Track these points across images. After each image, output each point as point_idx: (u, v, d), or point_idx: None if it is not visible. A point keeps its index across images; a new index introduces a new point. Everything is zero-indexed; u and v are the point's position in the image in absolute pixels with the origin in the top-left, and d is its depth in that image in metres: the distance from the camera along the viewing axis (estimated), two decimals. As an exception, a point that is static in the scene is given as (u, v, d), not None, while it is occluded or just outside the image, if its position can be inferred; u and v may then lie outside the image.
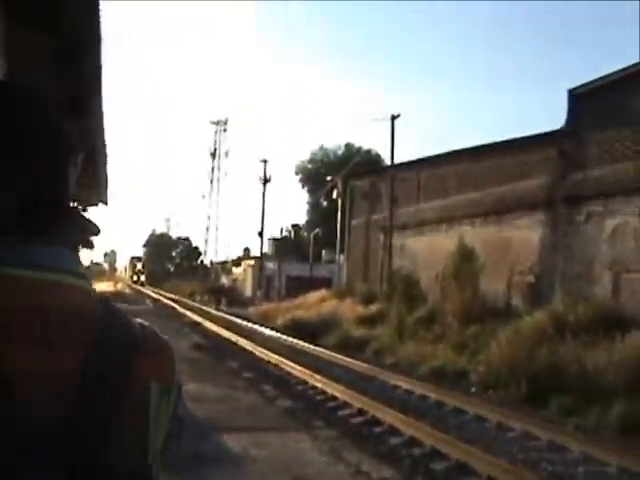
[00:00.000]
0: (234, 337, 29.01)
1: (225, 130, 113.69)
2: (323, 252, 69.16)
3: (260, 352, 23.61)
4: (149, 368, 1.34)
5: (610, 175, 21.66)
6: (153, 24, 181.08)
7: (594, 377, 14.79)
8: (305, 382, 17.68)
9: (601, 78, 22.16)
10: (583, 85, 22.88)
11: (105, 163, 19.57)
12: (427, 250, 31.88)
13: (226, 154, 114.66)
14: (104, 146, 17.38)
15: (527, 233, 25.16)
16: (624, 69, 21.39)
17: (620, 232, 21.11)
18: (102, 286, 70.17)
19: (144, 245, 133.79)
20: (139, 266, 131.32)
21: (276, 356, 21.96)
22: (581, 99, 22.93)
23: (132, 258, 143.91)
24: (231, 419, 11.50)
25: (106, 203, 26.31)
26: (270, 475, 8.13)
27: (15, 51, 9.49)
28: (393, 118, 36.34)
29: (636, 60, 21.09)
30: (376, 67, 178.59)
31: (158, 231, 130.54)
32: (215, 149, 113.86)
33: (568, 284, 22.78)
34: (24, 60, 10.32)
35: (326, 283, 49.68)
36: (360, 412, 13.70)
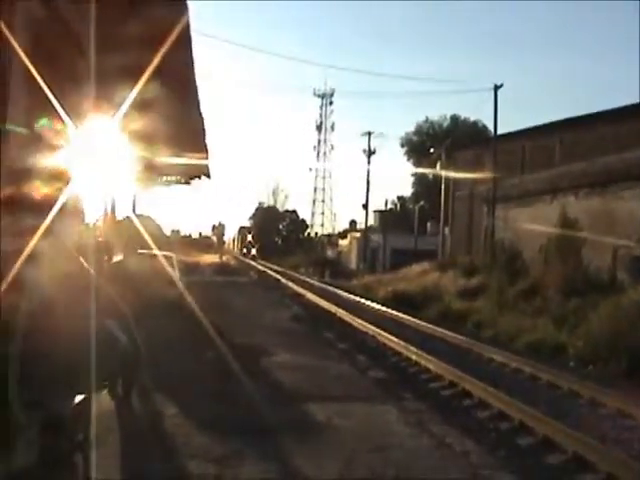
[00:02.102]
0: (333, 308, 29.14)
1: (331, 103, 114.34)
2: (428, 224, 68.76)
3: (358, 324, 23.67)
4: None
5: None
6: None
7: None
8: (400, 354, 17.66)
9: None
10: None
11: (204, 137, 19.88)
12: (531, 222, 31.27)
13: (332, 127, 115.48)
14: (202, 120, 17.64)
15: (634, 205, 24.36)
16: None
17: None
18: (208, 258, 71.41)
19: (250, 218, 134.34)
20: (249, 237, 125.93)
21: (374, 327, 21.96)
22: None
23: (241, 228, 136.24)
24: (319, 388, 11.51)
25: (209, 176, 26.75)
26: (350, 444, 8.10)
27: (105, 32, 9.69)
28: (496, 88, 35.67)
29: None
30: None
31: (265, 204, 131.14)
32: (321, 122, 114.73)
33: (676, 258, 22.05)
34: (112, 37, 10.53)
35: (430, 255, 49.36)
36: (451, 384, 13.62)
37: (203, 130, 18.85)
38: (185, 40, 11.14)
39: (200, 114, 16.82)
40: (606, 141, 26.82)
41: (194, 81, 13.68)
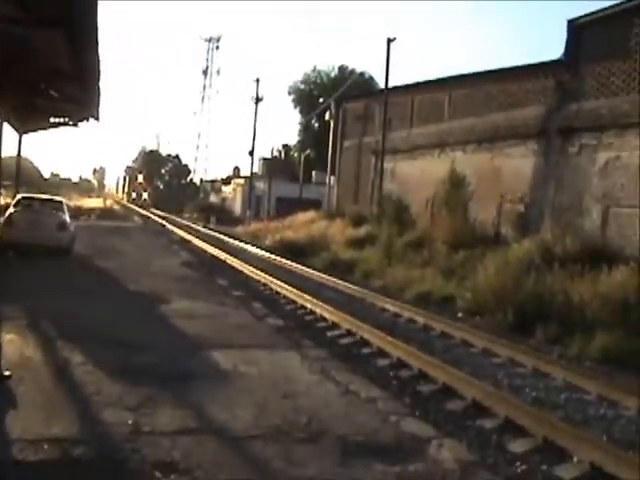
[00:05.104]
0: (223, 255, 29.21)
1: (217, 48, 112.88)
2: (313, 173, 69.09)
3: (249, 271, 23.81)
4: None
5: (605, 108, 21.63)
6: None
7: (579, 308, 15.03)
8: (295, 302, 17.89)
9: (602, 10, 21.86)
10: (583, 16, 22.56)
11: (98, 78, 19.45)
12: (418, 175, 31.93)
13: (218, 72, 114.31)
14: (97, 62, 17.24)
15: (519, 162, 25.20)
16: (626, 1, 21.08)
17: (612, 166, 21.17)
18: (91, 203, 69.95)
19: (133, 162, 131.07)
20: (140, 178, 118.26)
21: (265, 275, 22.15)
22: (581, 30, 22.68)
23: (128, 168, 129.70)
24: (220, 336, 11.60)
25: (97, 119, 26.24)
26: (259, 392, 8.25)
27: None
28: (389, 41, 35.87)
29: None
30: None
31: (148, 148, 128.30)
32: (207, 67, 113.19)
33: (558, 215, 22.95)
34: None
35: (315, 204, 49.82)
36: (349, 333, 13.93)
37: (98, 72, 18.46)
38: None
39: (97, 58, 16.46)
40: (493, 99, 27.49)
41: (95, 27, 13.36)
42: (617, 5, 21.39)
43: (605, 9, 21.73)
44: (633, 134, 20.32)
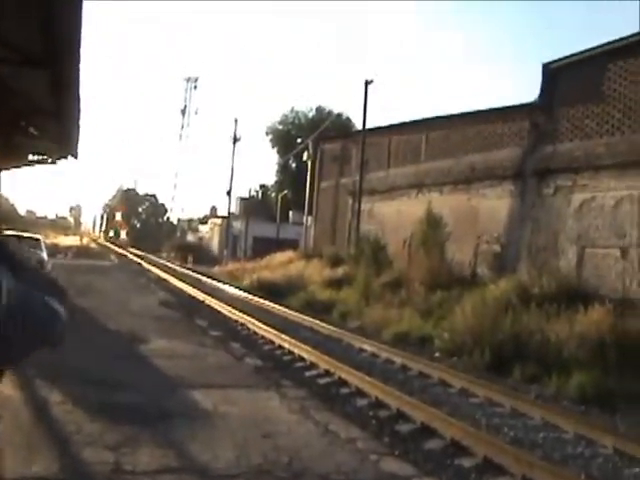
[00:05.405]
0: (201, 295, 29.15)
1: (195, 87, 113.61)
2: (290, 213, 69.32)
3: (227, 311, 23.80)
4: None
5: (579, 150, 21.95)
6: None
7: (556, 348, 15.16)
8: (272, 342, 17.91)
9: (577, 54, 22.27)
10: (558, 60, 22.97)
11: (78, 117, 19.49)
12: (395, 215, 32.11)
13: (196, 112, 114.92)
14: (78, 100, 17.31)
15: (495, 203, 25.45)
16: (600, 46, 21.50)
17: (587, 207, 21.44)
18: (68, 241, 69.64)
19: (110, 200, 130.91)
20: (118, 216, 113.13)
21: (243, 315, 22.15)
22: (556, 73, 23.07)
23: (106, 206, 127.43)
24: (200, 376, 11.61)
25: (76, 157, 26.21)
26: (240, 431, 8.27)
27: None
28: (367, 83, 36.32)
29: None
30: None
31: (125, 187, 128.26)
32: (185, 106, 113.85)
33: (534, 255, 23.15)
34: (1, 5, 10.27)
35: (293, 244, 49.95)
36: (327, 373, 13.97)
37: (78, 111, 18.51)
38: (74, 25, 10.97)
39: (78, 97, 16.53)
40: (470, 141, 27.79)
41: (78, 68, 13.44)
42: (591, 49, 21.78)
43: (579, 53, 22.14)
44: (607, 176, 20.65)
